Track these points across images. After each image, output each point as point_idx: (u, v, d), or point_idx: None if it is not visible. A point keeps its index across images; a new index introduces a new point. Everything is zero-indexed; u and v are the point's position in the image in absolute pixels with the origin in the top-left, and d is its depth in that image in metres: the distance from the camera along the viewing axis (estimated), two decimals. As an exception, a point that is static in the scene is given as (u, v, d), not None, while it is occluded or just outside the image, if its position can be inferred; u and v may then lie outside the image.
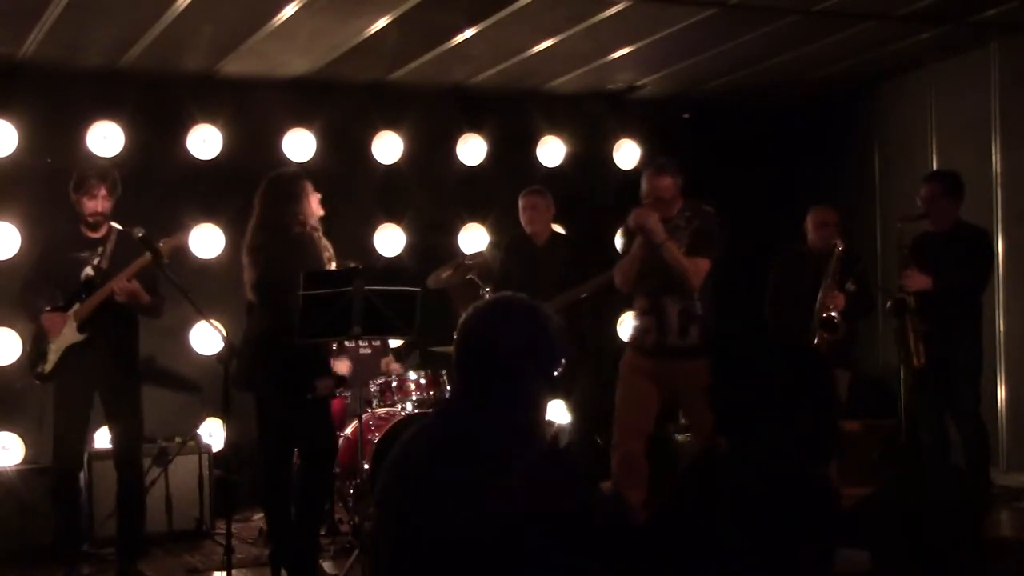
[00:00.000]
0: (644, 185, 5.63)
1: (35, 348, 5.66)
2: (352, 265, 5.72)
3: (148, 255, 5.42)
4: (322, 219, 5.51)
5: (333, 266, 5.49)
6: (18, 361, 6.96)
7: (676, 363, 5.45)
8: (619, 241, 5.76)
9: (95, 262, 5.59)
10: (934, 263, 6.21)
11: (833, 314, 6.34)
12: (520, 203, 7.09)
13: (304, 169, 6.30)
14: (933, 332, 6.21)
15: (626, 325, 6.02)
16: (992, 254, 6.53)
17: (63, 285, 5.61)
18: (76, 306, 5.54)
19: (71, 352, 5.52)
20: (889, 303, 6.36)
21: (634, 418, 5.58)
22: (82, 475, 6.39)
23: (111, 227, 5.70)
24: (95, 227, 5.65)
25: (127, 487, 5.73)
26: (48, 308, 5.58)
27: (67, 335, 5.52)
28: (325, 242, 5.47)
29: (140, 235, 5.39)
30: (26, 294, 5.76)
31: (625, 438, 5.56)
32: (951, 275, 6.17)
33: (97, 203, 5.59)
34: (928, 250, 6.31)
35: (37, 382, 5.68)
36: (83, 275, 5.56)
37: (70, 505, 5.78)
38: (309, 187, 5.44)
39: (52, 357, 5.54)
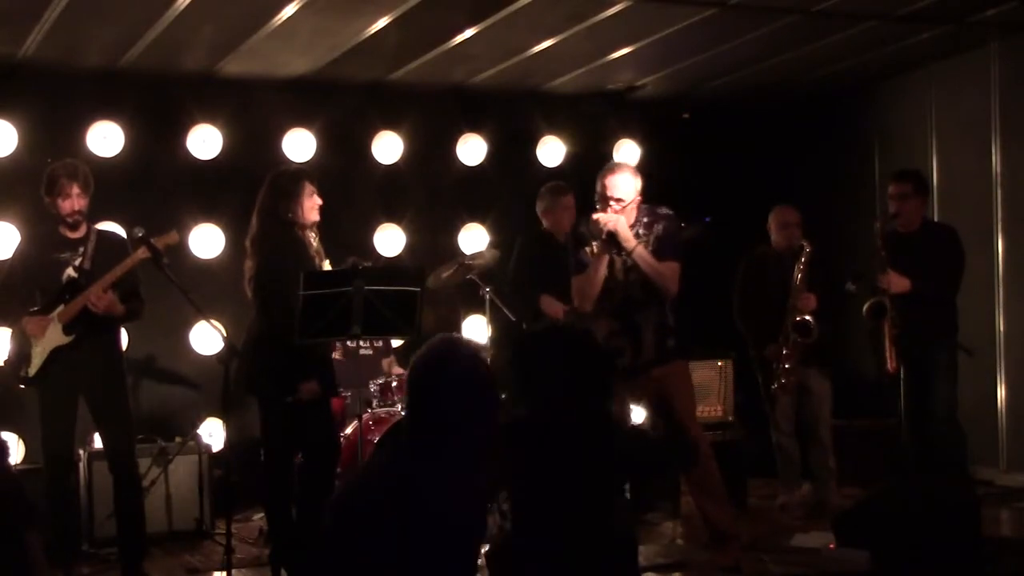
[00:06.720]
0: (606, 186, 5.25)
1: (17, 352, 5.54)
2: (364, 265, 5.66)
3: (130, 258, 5.39)
4: (318, 222, 5.46)
5: (327, 266, 5.47)
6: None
7: (649, 373, 5.19)
8: (577, 255, 5.27)
9: (77, 263, 5.48)
10: (906, 264, 6.15)
11: (807, 317, 6.29)
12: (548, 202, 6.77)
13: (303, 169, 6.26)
14: (906, 335, 6.16)
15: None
16: (963, 252, 6.39)
17: (44, 287, 5.49)
18: (60, 308, 5.42)
19: (57, 354, 5.43)
20: (866, 306, 6.29)
21: None
22: (81, 475, 6.40)
23: (90, 227, 5.61)
24: (75, 227, 5.53)
25: (124, 493, 5.62)
26: (33, 310, 5.47)
27: (52, 337, 5.42)
28: (317, 245, 5.43)
29: (140, 235, 5.36)
30: (2, 297, 5.63)
31: None
32: (926, 276, 6.12)
33: (72, 202, 5.46)
34: (899, 251, 6.21)
35: (21, 386, 5.58)
36: (65, 276, 5.45)
37: (65, 507, 5.72)
38: (309, 188, 5.41)
39: (36, 360, 5.44)
